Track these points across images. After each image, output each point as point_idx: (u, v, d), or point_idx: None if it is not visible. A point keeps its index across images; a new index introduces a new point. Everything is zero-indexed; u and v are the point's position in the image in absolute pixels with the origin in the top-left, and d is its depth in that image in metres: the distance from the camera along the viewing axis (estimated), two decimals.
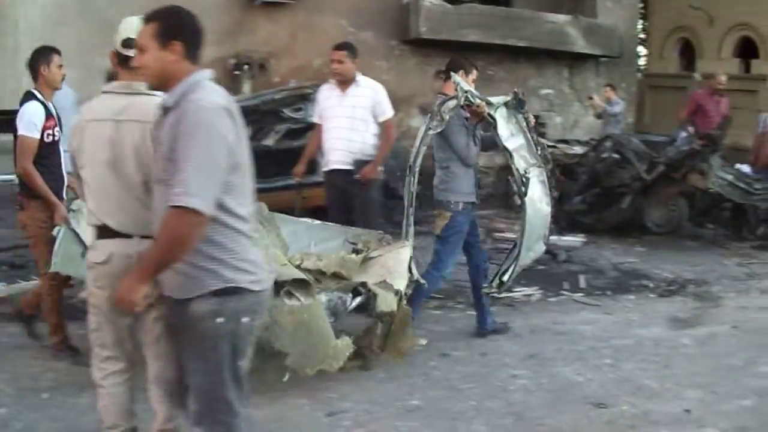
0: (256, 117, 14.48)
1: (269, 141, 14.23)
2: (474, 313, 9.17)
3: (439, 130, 8.44)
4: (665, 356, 8.58)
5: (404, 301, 7.74)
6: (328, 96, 9.84)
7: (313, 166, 13.40)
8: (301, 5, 20.75)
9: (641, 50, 44.91)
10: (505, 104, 8.91)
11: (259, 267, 4.33)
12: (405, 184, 8.83)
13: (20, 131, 7.30)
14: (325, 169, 10.01)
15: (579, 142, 18.99)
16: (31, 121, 7.30)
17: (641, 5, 41.62)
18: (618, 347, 8.79)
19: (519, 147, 8.91)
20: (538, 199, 8.95)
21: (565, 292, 10.99)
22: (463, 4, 22.46)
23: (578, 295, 10.75)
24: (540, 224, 9.13)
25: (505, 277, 8.87)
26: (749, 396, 7.54)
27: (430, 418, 6.80)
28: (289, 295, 6.74)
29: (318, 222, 9.32)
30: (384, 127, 9.74)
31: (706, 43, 38.27)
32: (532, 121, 9.30)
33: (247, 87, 19.48)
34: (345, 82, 9.63)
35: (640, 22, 42.92)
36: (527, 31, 22.64)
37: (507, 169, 17.20)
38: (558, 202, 14.55)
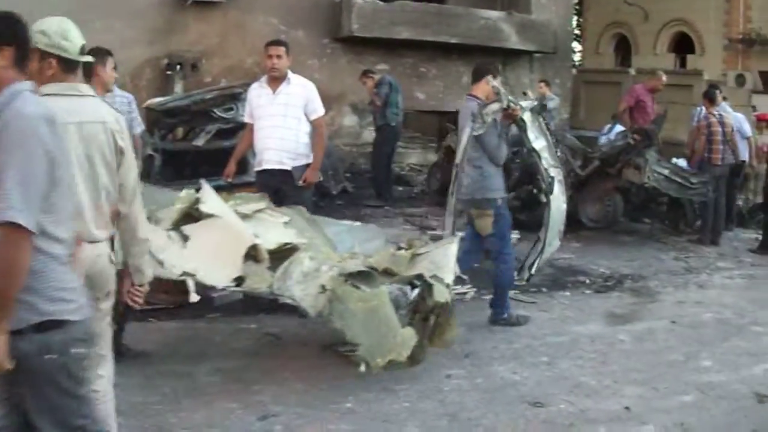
0: (187, 117, 14.49)
1: (200, 141, 14.14)
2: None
3: (481, 132, 8.96)
4: (602, 353, 8.54)
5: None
6: (259, 94, 9.70)
7: (244, 166, 13.33)
8: (233, 4, 20.75)
9: (576, 46, 45.26)
10: (531, 109, 9.88)
11: (77, 294, 4.06)
12: (452, 182, 9.49)
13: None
14: (258, 169, 9.86)
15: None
16: None
17: (576, 1, 41.99)
18: (554, 345, 8.72)
19: (542, 148, 9.92)
20: (558, 197, 10.10)
21: None
22: (395, 1, 22.43)
23: (513, 293, 10.61)
24: (560, 220, 10.38)
25: (533, 270, 10.15)
26: (690, 391, 7.52)
27: (363, 421, 6.66)
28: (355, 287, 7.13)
29: (358, 223, 10.06)
30: (315, 125, 9.70)
31: (642, 39, 38.73)
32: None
33: (179, 87, 19.42)
34: (278, 79, 9.50)
35: (576, 17, 43.28)
36: (460, 28, 22.70)
37: (438, 166, 17.33)
38: None
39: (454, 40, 22.79)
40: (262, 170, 9.75)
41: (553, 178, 9.95)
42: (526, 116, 9.67)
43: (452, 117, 24.07)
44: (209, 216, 7.79)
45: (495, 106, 9.16)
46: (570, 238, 13.95)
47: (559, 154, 11.67)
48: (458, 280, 10.52)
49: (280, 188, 9.51)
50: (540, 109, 10.15)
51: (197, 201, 7.96)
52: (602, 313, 10.12)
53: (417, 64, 23.52)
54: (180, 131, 15.49)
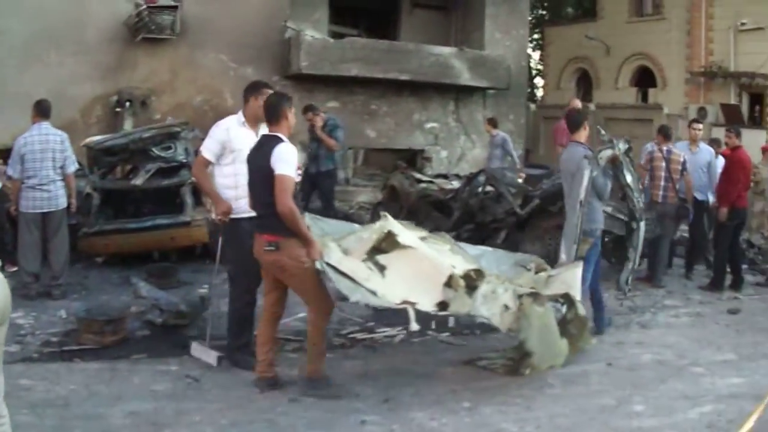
0: (126, 156, 14.44)
1: (138, 180, 14.10)
2: (331, 355, 9.13)
3: (595, 173, 10.65)
4: (528, 398, 8.38)
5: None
6: (241, 134, 8.97)
7: (181, 207, 13.31)
8: (183, 41, 21.01)
9: (538, 81, 45.56)
10: (625, 151, 11.37)
11: None
12: (577, 216, 10.58)
13: (282, 171, 7.78)
14: (241, 216, 8.87)
15: (459, 177, 18.92)
16: (292, 161, 7.88)
17: (538, 36, 42.27)
18: (479, 389, 8.55)
19: (631, 182, 11.64)
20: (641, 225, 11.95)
21: (431, 332, 10.60)
22: (344, 38, 22.55)
23: (444, 335, 10.47)
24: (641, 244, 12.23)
25: (629, 283, 12.13)
26: None
27: None
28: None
29: (490, 248, 11.15)
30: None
31: (603, 73, 39.10)
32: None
33: (128, 124, 19.63)
34: (257, 122, 8.99)
35: (538, 52, 43.58)
36: (411, 64, 22.88)
37: (381, 205, 17.29)
38: None
39: (405, 77, 22.99)
40: (246, 217, 8.84)
41: (641, 207, 11.89)
42: (621, 157, 11.30)
43: (404, 155, 24.32)
44: (403, 246, 8.99)
45: (608, 153, 11.04)
46: None
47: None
48: (387, 324, 10.55)
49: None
50: (628, 150, 11.49)
51: (389, 233, 9.06)
52: None
53: (368, 102, 23.65)
54: (122, 169, 15.47)
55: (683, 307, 12.99)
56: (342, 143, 16.40)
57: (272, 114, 8.20)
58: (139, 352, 9.40)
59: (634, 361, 9.95)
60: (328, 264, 8.21)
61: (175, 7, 20.71)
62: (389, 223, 9.33)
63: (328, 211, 16.14)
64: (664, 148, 14.50)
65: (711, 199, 15.30)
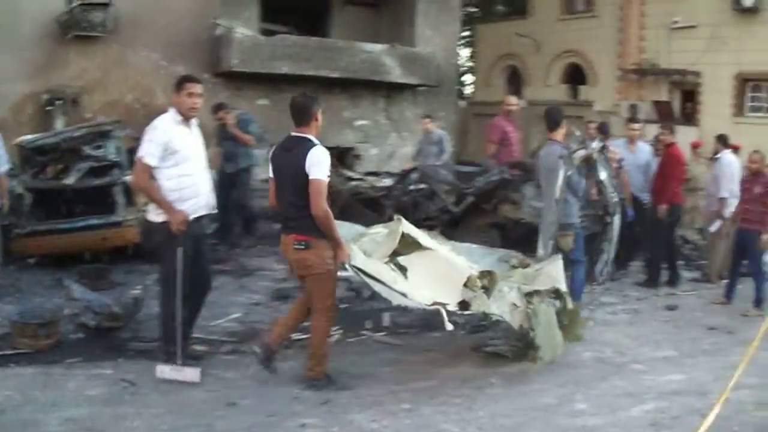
0: (57, 155, 14.17)
1: (70, 180, 13.80)
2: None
3: (570, 172, 11.34)
4: (470, 397, 8.29)
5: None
6: (180, 132, 8.64)
7: (112, 207, 13.08)
8: (114, 39, 20.84)
9: (468, 78, 45.65)
10: (600, 149, 12.31)
11: None
12: (553, 213, 11.38)
13: (318, 175, 7.97)
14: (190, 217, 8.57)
15: (390, 174, 18.81)
16: (326, 164, 8.09)
17: (468, 33, 42.36)
18: (418, 389, 8.46)
19: (605, 179, 12.45)
20: (616, 219, 12.71)
21: (366, 332, 10.58)
22: (275, 35, 22.42)
23: (380, 335, 10.39)
24: (617, 236, 12.86)
25: (604, 274, 12.90)
26: None
27: None
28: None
29: (474, 245, 11.26)
30: None
31: (534, 70, 39.26)
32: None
33: (60, 122, 19.41)
34: (188, 117, 8.71)
35: (468, 49, 43.66)
36: (342, 62, 22.85)
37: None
38: None
39: (336, 74, 22.97)
40: (193, 219, 8.63)
41: (615, 202, 12.61)
42: (595, 155, 12.15)
43: (334, 153, 24.19)
44: (422, 248, 9.62)
45: (582, 153, 11.84)
46: None
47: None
48: None
49: (200, 234, 8.93)
50: (602, 149, 12.48)
51: (406, 234, 9.60)
52: (474, 356, 9.85)
53: None
54: (54, 169, 15.17)
55: (620, 304, 13.01)
56: (258, 136, 16.08)
57: (302, 115, 8.41)
58: (73, 356, 9.15)
59: (574, 359, 9.88)
60: (354, 267, 8.55)
61: (106, 5, 20.46)
62: (404, 224, 9.78)
63: (244, 208, 15.90)
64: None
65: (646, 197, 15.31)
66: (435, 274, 9.26)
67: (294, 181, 8.09)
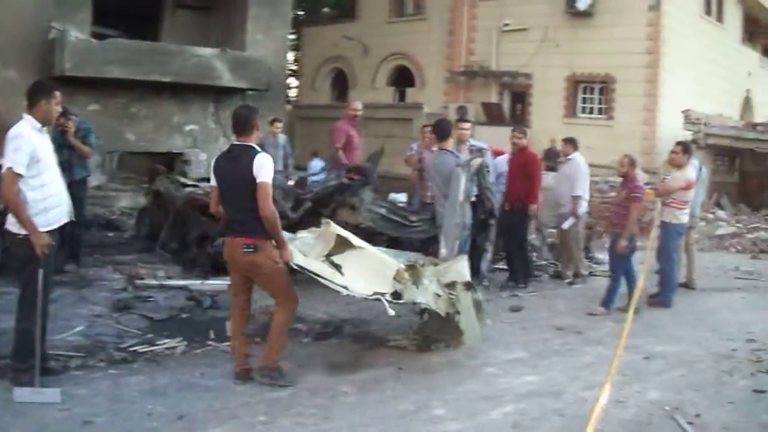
0: None
1: None
2: (115, 371, 8.86)
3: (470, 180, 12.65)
4: (325, 407, 8.16)
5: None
6: (40, 140, 8.31)
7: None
8: None
9: (293, 82, 45.58)
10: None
11: None
12: (457, 215, 12.32)
13: (264, 179, 8.48)
14: (48, 229, 8.29)
15: None
16: (271, 169, 8.63)
17: (293, 36, 42.31)
18: (272, 400, 8.29)
19: (491, 185, 14.02)
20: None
21: (211, 342, 10.32)
22: (108, 39, 21.97)
23: (225, 345, 10.04)
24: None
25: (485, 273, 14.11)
26: None
27: None
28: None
29: (383, 248, 11.83)
30: None
31: (361, 73, 39.47)
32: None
33: None
34: (46, 125, 8.45)
35: (293, 53, 43.61)
36: (173, 66, 22.59)
37: (146, 211, 16.91)
38: (200, 245, 14.16)
39: (167, 79, 22.69)
40: (52, 230, 8.36)
41: (497, 207, 14.13)
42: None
43: (162, 158, 23.85)
44: (354, 247, 10.24)
45: (479, 161, 13.23)
46: None
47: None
48: (167, 336, 10.21)
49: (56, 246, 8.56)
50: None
51: (339, 236, 10.29)
52: (322, 363, 9.73)
53: (128, 104, 23.22)
54: None
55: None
56: (95, 149, 15.54)
57: (244, 125, 8.81)
58: None
59: (425, 364, 9.90)
60: (297, 265, 9.20)
61: None
62: (334, 227, 10.52)
63: (80, 219, 15.39)
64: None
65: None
66: (367, 269, 9.94)
67: (242, 187, 8.53)
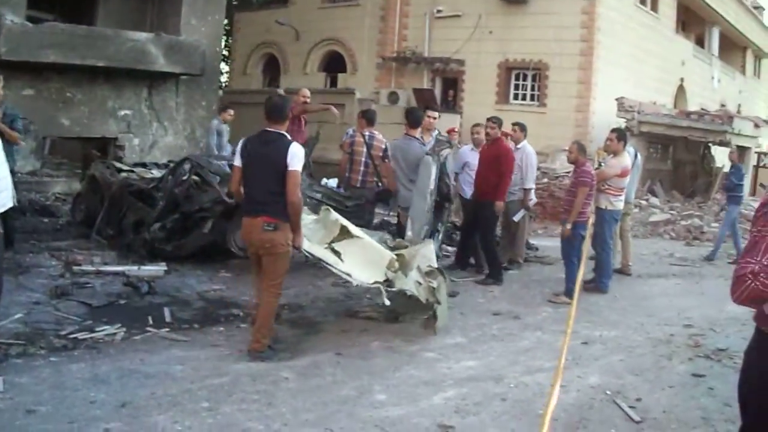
0: None
1: None
2: (56, 359, 8.78)
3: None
4: (267, 393, 8.17)
5: None
6: None
7: None
8: None
9: (224, 67, 45.40)
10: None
11: None
12: (426, 203, 12.76)
13: (296, 167, 9.03)
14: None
15: (158, 165, 18.48)
16: (302, 158, 9.19)
17: (226, 21, 42.26)
18: (214, 387, 8.26)
19: (450, 171, 14.54)
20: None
21: (150, 328, 10.22)
22: (44, 23, 21.65)
23: (164, 331, 10.10)
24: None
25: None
26: (369, 429, 7.37)
27: None
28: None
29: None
30: None
31: (292, 59, 39.43)
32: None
33: None
34: None
35: (224, 38, 43.53)
36: (108, 51, 22.25)
37: (82, 196, 16.77)
38: (136, 230, 14.05)
39: (101, 63, 22.34)
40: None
41: (454, 192, 14.92)
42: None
43: (96, 143, 23.66)
44: (352, 236, 10.77)
45: (448, 151, 13.86)
46: (219, 268, 13.69)
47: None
48: (106, 322, 10.16)
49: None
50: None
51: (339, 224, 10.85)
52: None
53: (63, 89, 22.86)
54: None
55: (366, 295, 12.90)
56: (23, 134, 15.27)
57: (279, 114, 9.35)
58: None
59: (364, 349, 9.95)
60: (305, 250, 9.82)
61: None
62: (334, 215, 11.16)
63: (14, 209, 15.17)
64: (366, 133, 14.57)
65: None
66: (364, 257, 10.52)
67: (273, 171, 9.04)
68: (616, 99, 31.24)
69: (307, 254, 9.97)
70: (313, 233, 10.68)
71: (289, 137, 9.32)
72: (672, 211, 27.44)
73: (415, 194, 12.97)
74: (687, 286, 15.88)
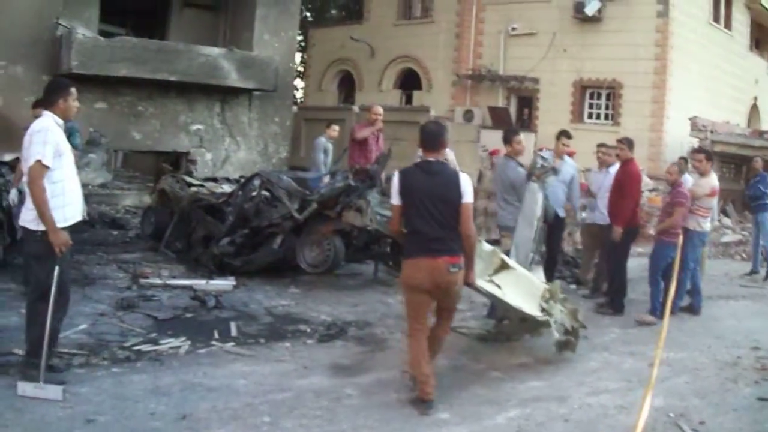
0: None
1: None
2: (118, 370, 8.82)
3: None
4: (329, 409, 8.14)
5: None
6: (62, 135, 8.36)
7: None
8: None
9: (299, 83, 45.60)
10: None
11: None
12: (534, 232, 12.38)
13: (470, 199, 8.57)
14: (65, 225, 8.23)
15: (228, 180, 18.56)
16: (472, 188, 8.76)
17: (301, 37, 42.38)
18: (276, 402, 8.25)
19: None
20: None
21: (215, 342, 10.24)
22: (116, 37, 21.94)
23: (230, 345, 10.11)
24: None
25: None
26: None
27: None
28: None
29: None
30: None
31: (367, 76, 39.48)
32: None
33: None
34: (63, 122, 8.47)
35: (299, 54, 43.68)
36: (180, 65, 22.58)
37: (152, 210, 16.89)
38: (204, 245, 14.10)
39: (173, 78, 22.64)
40: (68, 226, 8.31)
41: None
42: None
43: (168, 157, 23.85)
44: (508, 268, 10.48)
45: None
46: (288, 284, 13.68)
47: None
48: (171, 335, 10.17)
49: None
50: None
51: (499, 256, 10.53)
52: (326, 365, 9.70)
53: (135, 102, 23.21)
54: None
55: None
56: (81, 151, 15.31)
57: (436, 142, 8.72)
58: None
59: None
60: (477, 286, 9.51)
61: None
62: (486, 245, 10.58)
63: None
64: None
65: (562, 213, 15.07)
66: (522, 288, 10.39)
67: (447, 205, 8.42)
68: (690, 118, 30.82)
69: (479, 290, 9.79)
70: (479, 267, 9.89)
71: (451, 166, 9.26)
72: (744, 232, 27.03)
73: (521, 221, 12.45)
74: (757, 309, 15.58)
